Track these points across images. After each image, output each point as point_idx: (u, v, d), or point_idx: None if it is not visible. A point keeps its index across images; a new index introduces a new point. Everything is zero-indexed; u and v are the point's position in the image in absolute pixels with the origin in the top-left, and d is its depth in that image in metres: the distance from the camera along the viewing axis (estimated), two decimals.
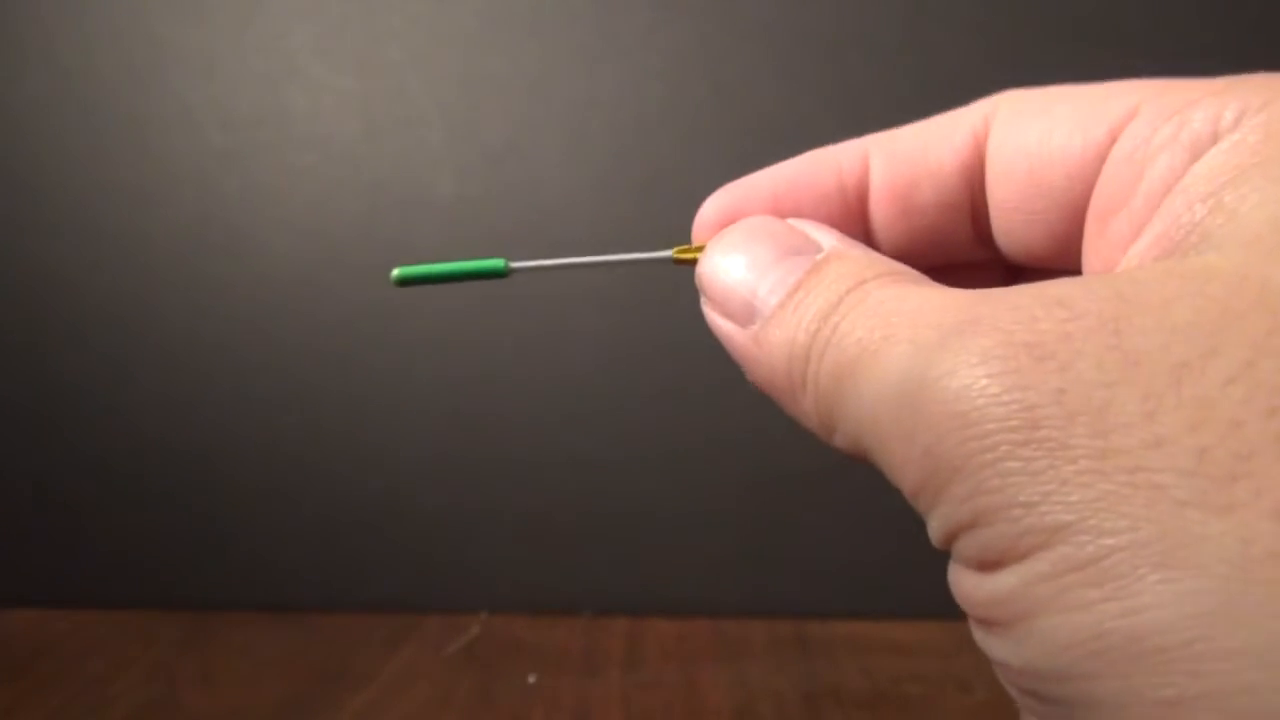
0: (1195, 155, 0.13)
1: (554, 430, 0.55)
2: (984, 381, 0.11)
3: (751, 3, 0.51)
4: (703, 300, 0.17)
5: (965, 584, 0.12)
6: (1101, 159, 0.14)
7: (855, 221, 0.18)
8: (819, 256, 0.15)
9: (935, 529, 0.12)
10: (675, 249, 0.18)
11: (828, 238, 0.16)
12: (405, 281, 0.19)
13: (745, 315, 0.16)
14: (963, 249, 0.18)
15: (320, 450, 0.56)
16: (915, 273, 0.15)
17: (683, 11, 0.51)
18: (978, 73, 0.50)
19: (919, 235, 0.18)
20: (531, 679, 0.48)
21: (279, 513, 0.56)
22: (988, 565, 0.11)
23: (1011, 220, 0.16)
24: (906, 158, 0.17)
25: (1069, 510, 0.10)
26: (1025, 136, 0.16)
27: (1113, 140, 0.14)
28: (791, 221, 0.17)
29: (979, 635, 0.12)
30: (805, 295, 0.15)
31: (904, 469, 0.12)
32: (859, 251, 0.15)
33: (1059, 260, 0.16)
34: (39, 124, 0.53)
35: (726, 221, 0.18)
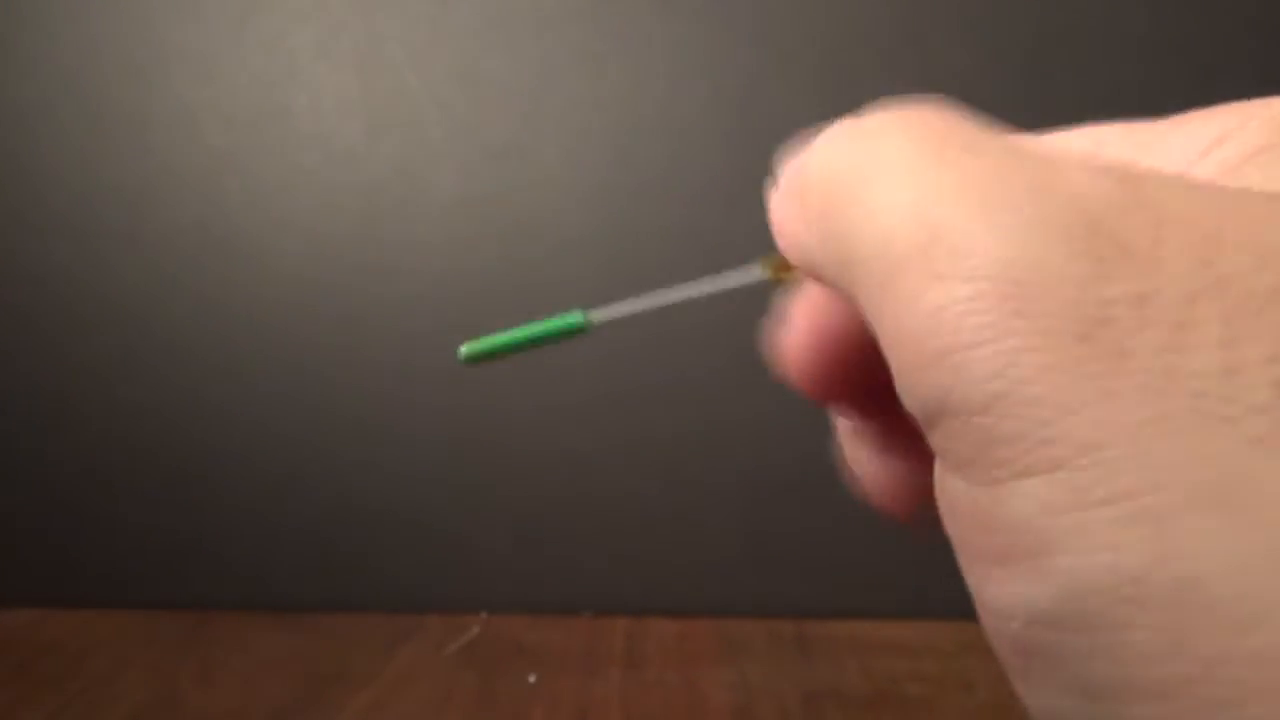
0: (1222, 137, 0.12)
1: (554, 430, 0.55)
2: (1060, 259, 0.09)
3: (751, 3, 0.51)
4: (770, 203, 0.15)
5: (955, 491, 0.10)
6: None
7: None
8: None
9: (917, 400, 0.10)
10: (765, 264, 0.16)
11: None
12: (476, 359, 0.17)
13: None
14: None
15: (321, 450, 0.56)
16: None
17: (683, 12, 0.51)
18: (978, 72, 0.50)
19: None
20: (531, 679, 0.48)
21: (279, 513, 0.56)
22: (987, 469, 0.09)
23: None
24: None
25: (1114, 428, 0.09)
26: None
27: None
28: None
29: (971, 565, 0.10)
30: (850, 120, 0.13)
31: (899, 320, 0.10)
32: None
33: None
34: (40, 124, 0.53)
35: None
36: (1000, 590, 0.10)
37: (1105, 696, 0.09)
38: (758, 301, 0.20)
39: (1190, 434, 0.08)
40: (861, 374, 0.16)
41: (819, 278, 0.13)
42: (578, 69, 0.51)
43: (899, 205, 0.11)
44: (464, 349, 0.17)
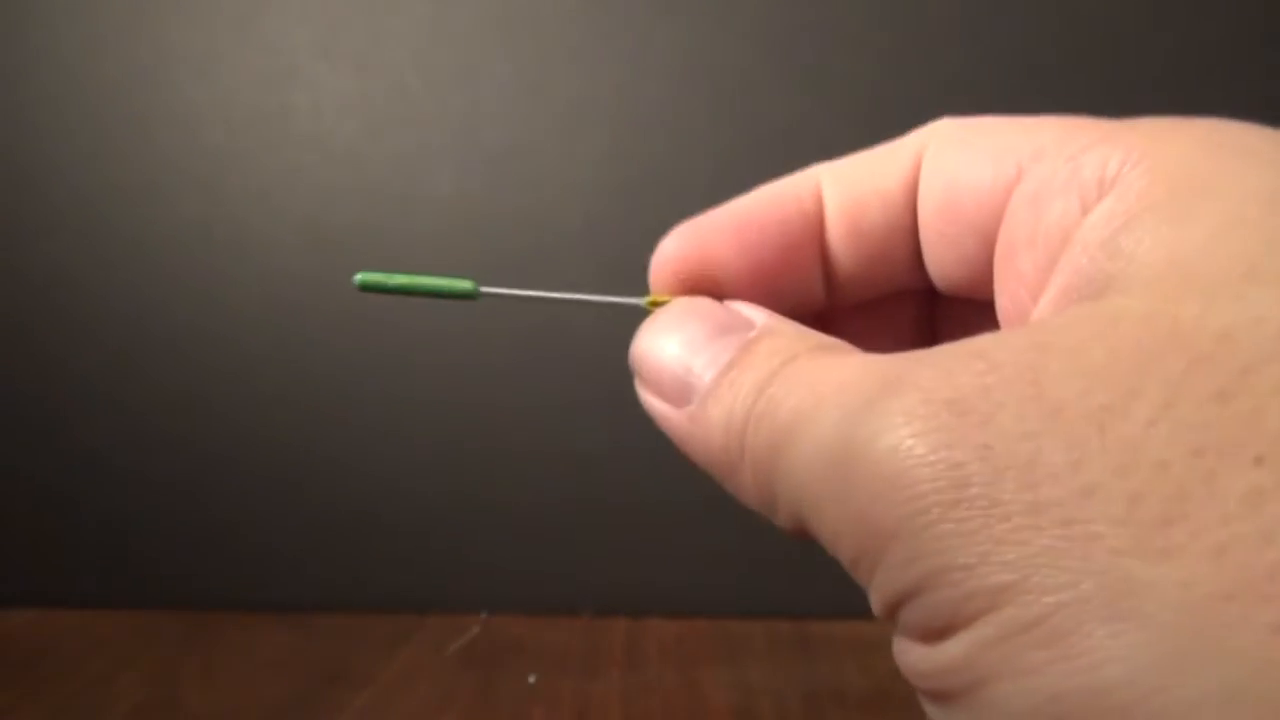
0: (1085, 204, 0.13)
1: (554, 430, 0.55)
2: (909, 441, 0.11)
3: (751, 3, 0.51)
4: (637, 382, 0.17)
5: (911, 657, 0.11)
6: (1009, 194, 0.15)
7: (815, 246, 0.18)
8: (751, 334, 0.15)
9: (877, 600, 0.12)
10: (648, 299, 0.18)
11: (760, 315, 0.16)
12: (367, 287, 0.18)
13: (680, 395, 0.16)
14: (910, 274, 0.18)
15: (321, 450, 0.56)
16: (845, 344, 0.15)
17: (683, 11, 0.51)
18: (977, 72, 0.50)
19: (870, 259, 0.18)
20: (531, 679, 0.48)
21: (279, 513, 0.56)
22: (933, 634, 0.11)
23: (935, 247, 0.17)
24: (856, 182, 0.17)
25: (1008, 569, 0.10)
26: (946, 164, 0.16)
27: (1019, 177, 0.15)
28: (727, 303, 0.17)
29: (931, 711, 0.12)
30: (739, 371, 0.14)
31: (840, 537, 0.12)
32: (790, 328, 0.15)
33: (977, 290, 0.16)
34: (41, 124, 0.53)
35: (685, 259, 0.18)
36: None
37: None
38: None
39: (1068, 557, 0.09)
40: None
41: (777, 524, 0.15)
42: (578, 69, 0.51)
43: (807, 444, 0.12)
44: (358, 276, 0.18)
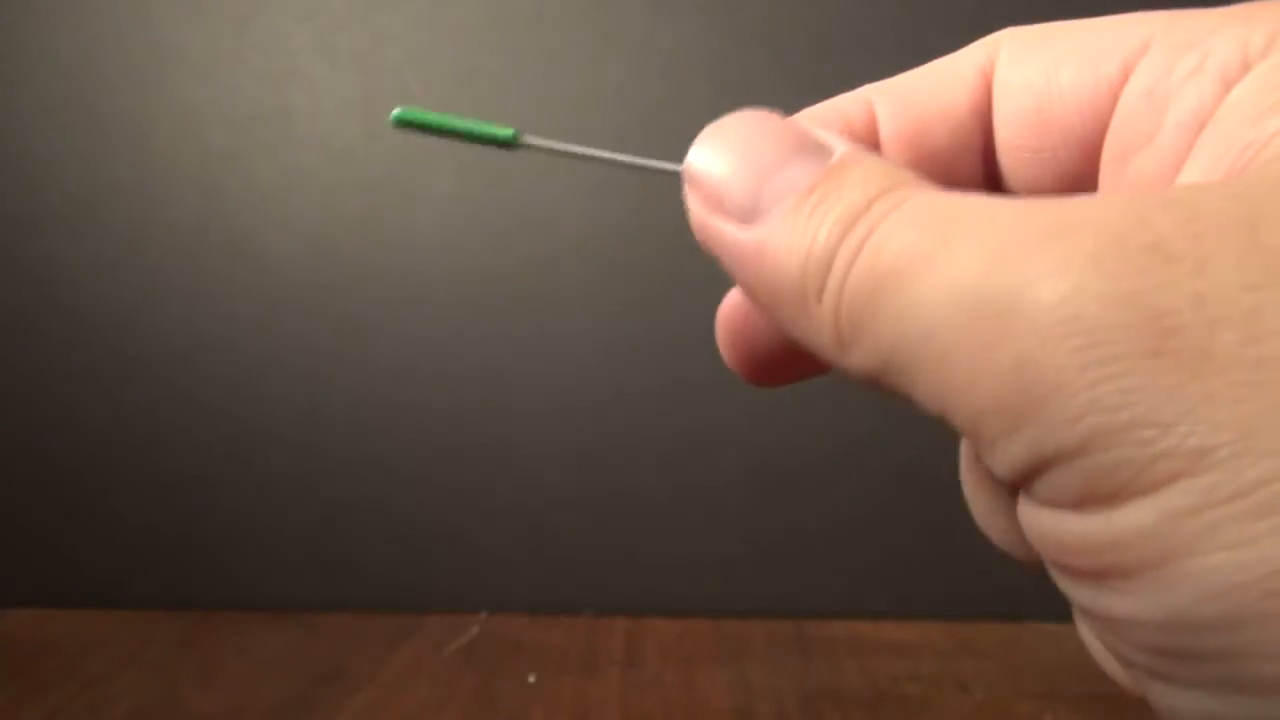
0: (1227, 84, 0.12)
1: (554, 430, 0.55)
2: (1101, 284, 0.09)
3: (751, 2, 0.51)
4: (689, 191, 0.15)
5: (1059, 527, 0.10)
6: (1114, 95, 0.14)
7: None
8: (834, 159, 0.13)
9: (1012, 459, 0.10)
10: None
11: (838, 141, 0.14)
12: (404, 123, 0.17)
13: (745, 214, 0.14)
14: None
15: (320, 450, 0.56)
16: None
17: (683, 11, 0.51)
18: None
19: (932, 181, 0.17)
20: (531, 679, 0.48)
21: (279, 513, 0.56)
22: (1099, 500, 0.10)
23: (1019, 159, 0.15)
24: (915, 102, 0.16)
25: (1218, 429, 0.09)
26: (1031, 74, 0.15)
27: (1125, 75, 0.13)
28: (795, 118, 0.15)
29: (1082, 592, 0.10)
30: (824, 198, 0.13)
31: (971, 387, 0.10)
32: (878, 159, 0.13)
33: None
34: (40, 124, 0.53)
35: None
36: (1127, 604, 0.10)
37: (1265, 690, 0.09)
38: None
39: None
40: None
41: (840, 367, 0.13)
42: (578, 69, 0.51)
43: (941, 287, 0.11)
44: (397, 111, 0.17)
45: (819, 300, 0.12)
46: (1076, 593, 0.11)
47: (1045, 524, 0.11)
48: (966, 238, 0.11)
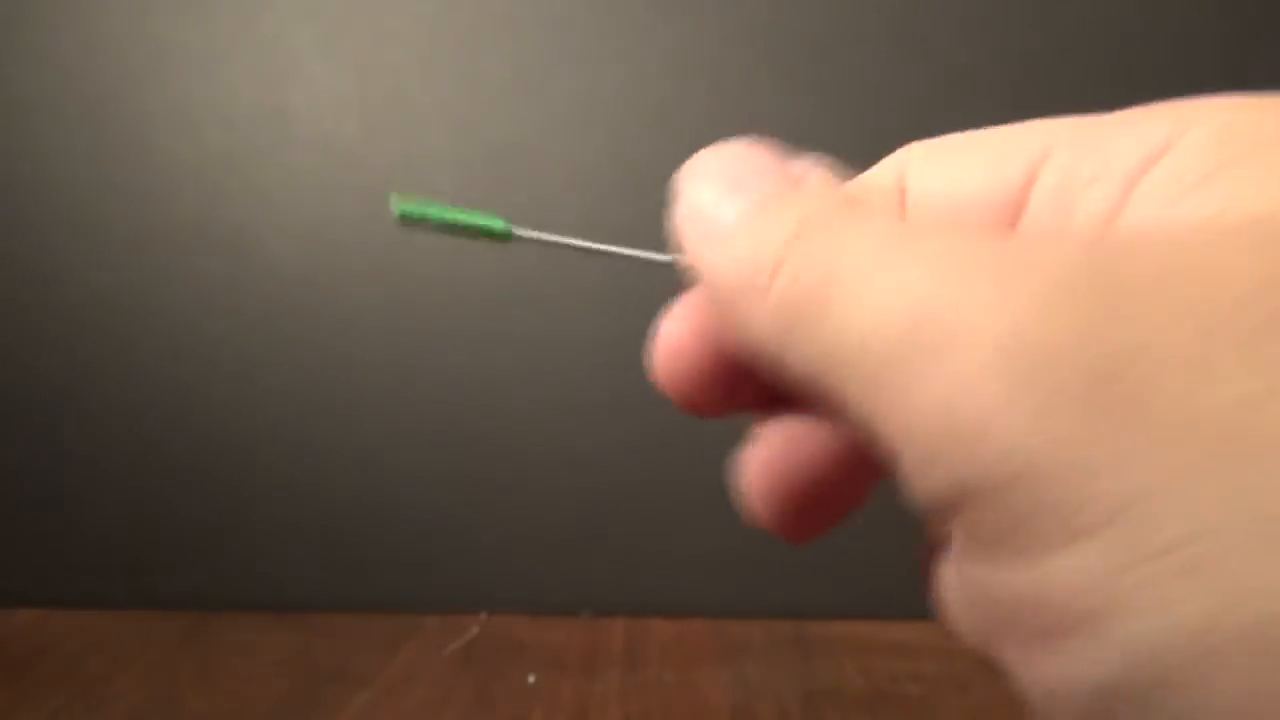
0: (1130, 183, 0.12)
1: (553, 430, 0.55)
2: (1045, 324, 0.09)
3: (751, 3, 0.51)
4: (675, 209, 0.16)
5: (986, 580, 0.10)
6: (1021, 199, 0.14)
7: None
8: (799, 174, 0.14)
9: (935, 487, 0.10)
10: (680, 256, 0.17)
11: (813, 167, 0.15)
12: (407, 217, 0.18)
13: (712, 221, 0.15)
14: None
15: (320, 450, 0.56)
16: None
17: (683, 11, 0.51)
18: (975, 72, 0.50)
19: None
20: (531, 679, 0.48)
21: (279, 513, 0.56)
22: (1023, 543, 0.09)
23: None
24: None
25: (1149, 480, 0.08)
26: (940, 183, 0.15)
27: (1031, 179, 0.14)
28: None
29: (1010, 649, 0.10)
30: (785, 205, 0.13)
31: (901, 410, 0.10)
32: (845, 184, 0.14)
33: None
34: (40, 123, 0.53)
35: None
36: (1054, 668, 0.09)
37: None
38: None
39: (1226, 472, 0.08)
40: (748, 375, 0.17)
41: (779, 372, 0.13)
42: (578, 69, 0.51)
43: (882, 299, 0.11)
44: (399, 206, 0.18)
45: (764, 298, 0.13)
46: (1010, 659, 0.10)
47: (963, 570, 0.10)
48: (917, 261, 0.11)
